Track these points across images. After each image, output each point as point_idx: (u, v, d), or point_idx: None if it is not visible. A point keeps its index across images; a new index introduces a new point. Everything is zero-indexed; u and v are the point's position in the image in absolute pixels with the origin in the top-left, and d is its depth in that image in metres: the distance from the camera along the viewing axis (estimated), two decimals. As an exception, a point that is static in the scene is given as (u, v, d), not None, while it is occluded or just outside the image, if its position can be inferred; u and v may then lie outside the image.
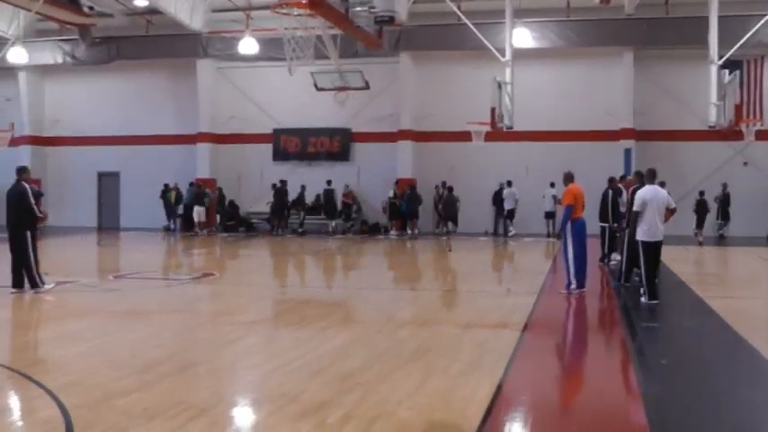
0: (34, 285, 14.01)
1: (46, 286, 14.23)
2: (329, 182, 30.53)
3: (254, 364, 8.93)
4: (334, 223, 30.54)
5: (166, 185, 31.76)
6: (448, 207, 29.48)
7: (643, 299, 13.02)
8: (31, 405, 7.18)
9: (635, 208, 13.08)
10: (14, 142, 31.75)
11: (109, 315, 12.19)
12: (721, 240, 27.72)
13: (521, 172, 29.75)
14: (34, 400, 7.23)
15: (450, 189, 29.42)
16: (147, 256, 24.06)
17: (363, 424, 6.34)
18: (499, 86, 25.09)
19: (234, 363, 9.09)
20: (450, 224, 29.53)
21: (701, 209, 27.15)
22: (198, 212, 30.71)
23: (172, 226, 31.77)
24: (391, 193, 30.11)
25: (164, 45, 31.83)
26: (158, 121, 33.17)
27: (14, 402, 7.48)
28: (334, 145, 31.84)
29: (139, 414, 6.65)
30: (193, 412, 6.68)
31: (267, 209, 30.84)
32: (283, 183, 29.97)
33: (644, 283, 13.02)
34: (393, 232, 29.66)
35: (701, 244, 25.66)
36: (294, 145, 32.17)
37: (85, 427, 6.20)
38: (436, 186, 30.23)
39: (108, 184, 34.18)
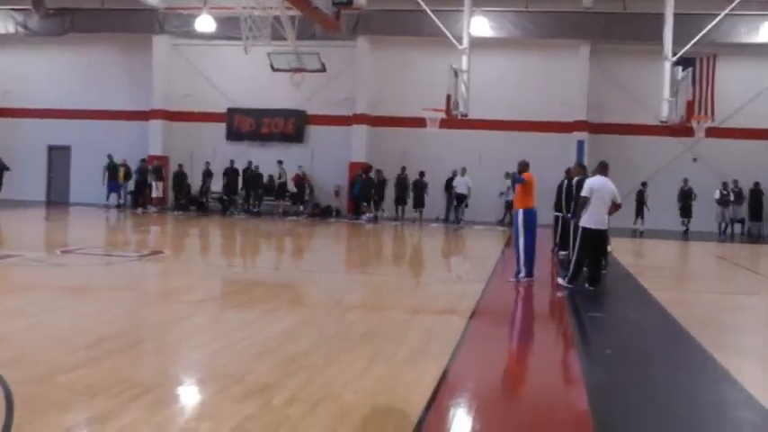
0: None
1: None
2: (280, 162, 30.48)
3: (201, 343, 8.89)
4: (282, 205, 30.50)
5: (110, 156, 31.27)
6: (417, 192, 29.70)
7: (561, 280, 13.41)
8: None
9: (582, 193, 13.26)
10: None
11: (55, 290, 12.05)
12: (684, 236, 28.18)
13: (474, 160, 29.91)
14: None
15: (422, 174, 29.57)
16: (96, 232, 23.81)
17: (308, 406, 6.35)
18: (456, 74, 25.16)
19: (180, 341, 9.05)
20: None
21: (640, 199, 27.82)
22: (157, 188, 30.47)
23: (113, 201, 31.33)
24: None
25: (119, 19, 31.42)
26: (112, 95, 32.78)
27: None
28: (289, 126, 31.73)
29: (83, 391, 6.58)
30: (138, 390, 6.64)
31: (220, 188, 30.70)
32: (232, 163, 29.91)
33: (572, 266, 13.33)
34: (365, 216, 29.50)
35: (641, 234, 26.11)
36: (248, 125, 32.00)
37: (27, 403, 6.13)
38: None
39: (58, 157, 33.72)
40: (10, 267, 14.37)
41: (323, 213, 30.52)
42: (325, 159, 31.06)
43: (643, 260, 20.94)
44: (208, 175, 31.02)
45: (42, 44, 32.85)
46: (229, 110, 31.96)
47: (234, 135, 32.05)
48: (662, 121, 25.61)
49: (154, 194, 30.54)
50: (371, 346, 8.85)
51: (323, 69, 27.94)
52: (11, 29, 31.84)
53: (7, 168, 31.49)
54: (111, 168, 31.46)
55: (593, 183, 13.27)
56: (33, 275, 13.69)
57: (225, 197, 30.60)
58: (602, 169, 13.60)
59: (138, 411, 6.09)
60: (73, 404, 6.27)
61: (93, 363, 7.58)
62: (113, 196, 31.45)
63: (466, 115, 25.72)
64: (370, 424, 6.01)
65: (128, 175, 31.59)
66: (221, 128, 32.10)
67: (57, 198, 33.49)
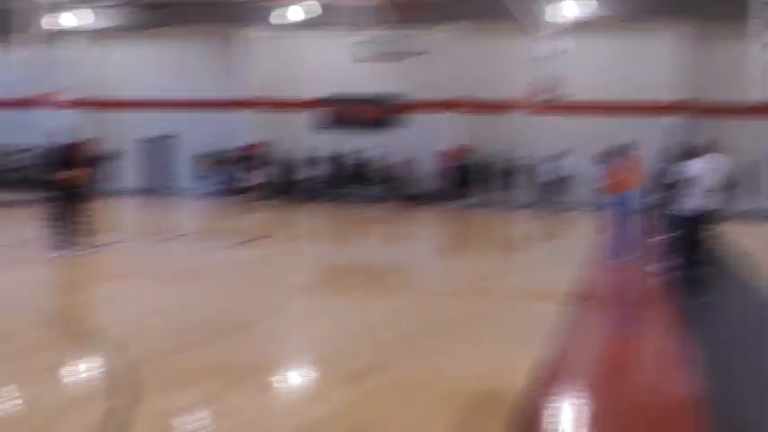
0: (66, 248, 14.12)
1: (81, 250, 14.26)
2: (369, 149, 30.65)
3: (305, 327, 9.09)
4: (375, 191, 30.68)
5: (203, 145, 32.00)
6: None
7: (660, 264, 13.16)
8: (89, 360, 7.40)
9: (682, 176, 12.99)
10: (66, 105, 32.13)
11: (160, 276, 12.44)
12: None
13: (572, 143, 29.50)
14: (91, 355, 7.46)
15: (519, 158, 29.30)
16: (200, 219, 24.37)
17: (412, 390, 6.45)
18: (551, 57, 24.92)
19: (288, 325, 9.26)
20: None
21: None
22: (256, 176, 30.97)
23: (209, 189, 31.98)
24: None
25: (212, 12, 31.93)
26: (206, 86, 33.30)
27: (74, 358, 7.69)
28: (384, 113, 31.81)
29: (191, 373, 6.81)
30: (244, 372, 6.85)
31: (317, 176, 31.03)
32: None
33: (673, 250, 13.07)
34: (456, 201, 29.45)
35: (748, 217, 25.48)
36: (342, 113, 32.20)
37: (143, 383, 6.37)
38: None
39: (160, 147, 34.47)
40: (117, 254, 14.84)
41: (419, 199, 30.53)
42: (424, 145, 31.04)
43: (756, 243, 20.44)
44: (304, 162, 31.36)
45: (140, 38, 33.59)
46: (322, 98, 32.21)
47: (328, 123, 32.30)
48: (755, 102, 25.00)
49: (253, 182, 31.02)
50: (473, 331, 8.90)
51: (418, 54, 27.93)
52: (111, 24, 32.64)
53: (116, 158, 32.53)
54: (206, 157, 32.14)
55: (695, 165, 13.00)
56: (140, 261, 14.12)
57: (321, 184, 30.90)
58: (704, 150, 13.31)
59: (246, 392, 6.30)
60: (188, 383, 6.51)
61: (199, 346, 7.82)
62: (209, 184, 32.09)
63: (563, 98, 25.46)
64: (472, 409, 6.08)
65: (225, 164, 32.16)
66: (315, 116, 32.38)
67: (159, 187, 34.25)
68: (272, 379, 6.83)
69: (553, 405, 6.34)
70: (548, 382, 6.85)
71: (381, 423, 5.64)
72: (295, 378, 7.13)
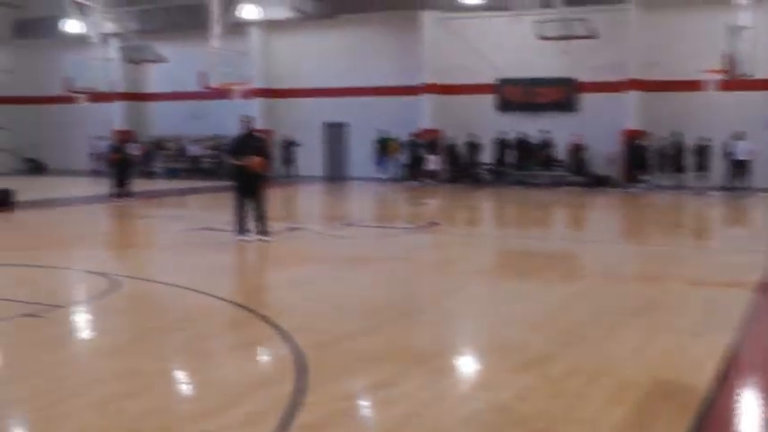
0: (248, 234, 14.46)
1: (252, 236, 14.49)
2: (547, 132, 30.17)
3: (478, 313, 9.03)
4: (552, 175, 30.16)
5: (380, 131, 32.35)
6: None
7: None
8: (266, 344, 7.59)
9: None
10: (247, 95, 33.25)
11: (336, 261, 12.65)
12: None
13: (757, 123, 28.08)
14: (269, 339, 7.64)
15: (700, 139, 28.12)
16: (373, 205, 24.72)
17: (586, 379, 6.27)
18: (735, 32, 23.75)
19: (457, 311, 9.22)
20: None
21: None
22: (433, 161, 31.13)
23: (383, 175, 32.34)
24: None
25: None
26: (382, 73, 33.67)
27: (251, 341, 7.91)
28: (559, 95, 31.25)
29: (366, 357, 6.88)
30: (417, 358, 6.84)
31: (491, 160, 30.84)
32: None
33: None
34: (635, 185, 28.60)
35: None
36: (518, 95, 31.83)
37: (316, 367, 6.48)
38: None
39: (335, 134, 35.18)
40: (296, 239, 15.21)
41: (596, 183, 29.86)
42: (597, 127, 30.27)
43: None
44: (481, 146, 31.24)
45: (315, 27, 34.32)
46: (499, 81, 31.95)
47: (504, 106, 32.00)
48: None
49: (428, 167, 31.18)
50: (650, 318, 8.60)
51: (592, 35, 27.30)
52: (288, 14, 33.46)
53: (297, 144, 33.53)
54: (381, 143, 32.55)
55: None
56: (317, 247, 14.42)
57: (495, 168, 30.71)
58: None
59: (419, 378, 6.28)
60: (358, 370, 6.57)
61: (375, 330, 7.89)
62: (383, 170, 32.49)
63: (750, 76, 24.24)
64: (652, 399, 5.84)
65: (399, 150, 32.47)
66: (491, 99, 32.17)
67: (334, 173, 34.98)
68: (443, 367, 6.79)
69: (743, 400, 6.02)
70: (735, 375, 6.51)
71: (550, 415, 5.50)
72: (465, 366, 7.07)
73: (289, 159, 33.75)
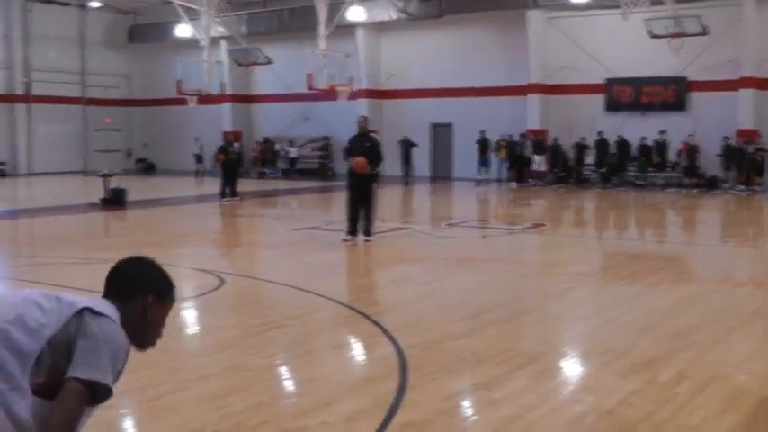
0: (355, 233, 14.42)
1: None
2: (662, 132, 29.41)
3: (583, 316, 8.86)
4: (662, 176, 29.43)
5: (482, 132, 32.11)
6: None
7: None
8: (369, 342, 7.61)
9: None
10: (353, 96, 33.48)
11: (440, 261, 12.61)
12: None
13: None
14: (372, 338, 7.66)
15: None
16: (478, 206, 24.61)
17: (696, 385, 6.07)
18: None
19: (562, 313, 9.08)
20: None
21: None
22: (539, 162, 30.80)
23: (485, 176, 32.07)
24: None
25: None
26: (488, 73, 33.46)
27: (354, 339, 7.95)
28: (669, 94, 30.49)
29: (469, 358, 6.82)
30: (521, 360, 6.75)
31: (602, 160, 30.29)
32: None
33: None
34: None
35: None
36: (627, 95, 31.19)
37: (419, 367, 6.46)
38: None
39: (440, 135, 35.14)
40: (401, 239, 15.24)
41: (707, 184, 29.03)
42: (709, 127, 29.42)
43: None
44: (584, 147, 30.74)
45: (421, 28, 34.32)
46: (607, 80, 31.38)
47: (613, 106, 31.39)
48: None
49: (534, 168, 30.84)
50: (764, 324, 8.29)
51: (704, 32, 26.57)
52: (393, 15, 33.59)
53: (415, 145, 33.56)
54: (482, 144, 32.32)
55: None
56: (421, 247, 14.42)
57: (600, 170, 30.15)
58: None
59: (523, 380, 6.19)
60: (460, 370, 6.51)
61: (478, 331, 7.81)
62: (486, 170, 32.26)
63: None
64: (765, 408, 5.62)
65: (507, 151, 32.17)
66: (599, 99, 31.61)
67: (440, 173, 34.94)
68: (547, 369, 6.67)
69: None
70: None
71: (657, 421, 5.34)
72: (570, 369, 6.93)
73: (407, 160, 33.78)
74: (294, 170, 36.53)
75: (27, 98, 38.84)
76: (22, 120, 38.82)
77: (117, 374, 2.85)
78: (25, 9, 38.52)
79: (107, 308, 2.85)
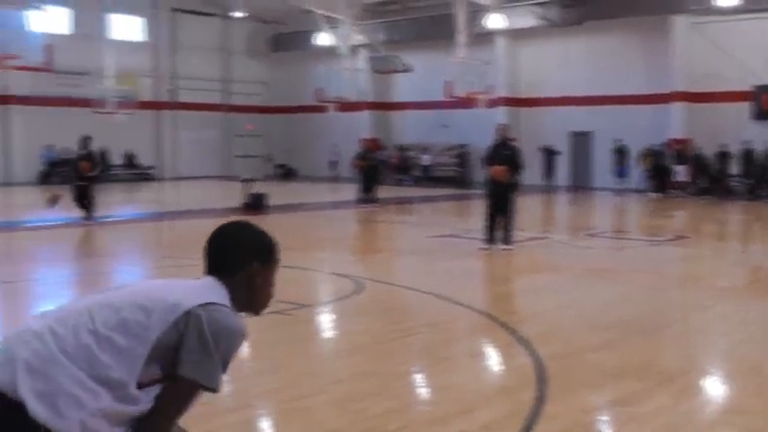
0: (494, 241, 14.32)
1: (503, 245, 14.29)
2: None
3: (726, 331, 8.53)
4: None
5: (618, 141, 31.38)
6: None
7: None
8: (506, 352, 7.53)
9: None
10: (492, 104, 33.30)
11: (579, 271, 12.39)
12: None
13: None
14: (509, 347, 7.58)
15: None
16: (617, 216, 24.09)
17: None
18: None
19: (705, 329, 8.77)
20: None
21: None
22: (682, 172, 29.87)
23: (622, 185, 31.28)
24: None
25: (636, 3, 31.24)
26: (629, 80, 32.74)
27: (491, 348, 7.90)
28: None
29: (608, 371, 6.66)
30: (663, 376, 6.54)
31: (748, 171, 29.14)
32: None
33: None
34: None
35: None
36: (773, 103, 29.94)
37: (556, 378, 6.35)
38: None
39: (579, 143, 34.57)
40: (539, 248, 15.06)
41: None
42: None
43: None
44: (729, 156, 29.65)
45: (561, 34, 33.83)
46: (756, 87, 30.19)
47: (762, 114, 30.19)
48: None
49: (676, 178, 29.93)
50: None
51: None
52: (533, 23, 33.27)
53: (557, 153, 33.14)
54: (619, 152, 31.57)
55: None
56: (559, 257, 14.20)
57: (747, 180, 29.00)
58: None
59: (664, 397, 6.00)
60: (599, 384, 6.37)
61: (617, 344, 7.63)
62: (624, 180, 31.49)
63: None
64: None
65: (648, 160, 31.32)
66: (746, 107, 30.44)
67: (579, 182, 34.35)
68: (689, 387, 6.45)
69: None
70: None
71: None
72: (714, 387, 6.67)
73: (549, 168, 33.36)
74: (428, 177, 36.65)
75: (172, 105, 40.34)
76: (168, 126, 40.32)
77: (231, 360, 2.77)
78: (172, 19, 40.02)
79: (214, 291, 2.78)
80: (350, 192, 26.01)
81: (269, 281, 2.94)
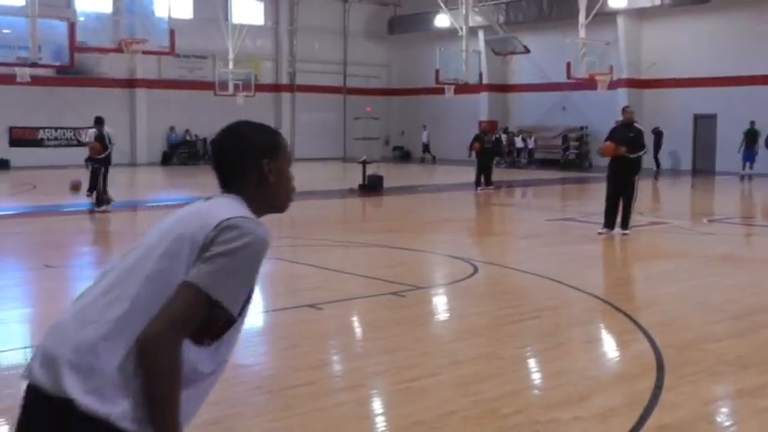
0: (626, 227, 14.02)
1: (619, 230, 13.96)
2: None
3: None
4: None
5: (752, 123, 30.19)
6: None
7: None
8: (623, 339, 7.38)
9: None
10: (612, 85, 32.54)
11: (701, 258, 12.02)
12: None
13: None
14: (627, 334, 7.42)
15: None
16: (742, 202, 23.30)
17: None
18: None
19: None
20: None
21: None
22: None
23: (749, 170, 30.12)
24: None
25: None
26: (758, 59, 31.48)
27: (608, 334, 7.78)
28: None
29: (732, 361, 6.46)
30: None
31: None
32: None
33: None
34: None
35: None
36: None
37: (676, 367, 6.19)
38: None
39: (703, 126, 33.53)
40: (658, 234, 14.71)
41: None
42: None
43: None
44: None
45: (686, 13, 32.79)
46: None
47: None
48: None
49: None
50: None
51: None
52: (656, 1, 32.33)
53: (661, 132, 32.00)
54: (749, 135, 30.41)
55: None
56: (681, 243, 13.83)
57: None
58: None
59: (793, 390, 5.78)
60: (722, 374, 6.19)
61: (743, 334, 7.39)
62: (751, 164, 30.35)
63: None
64: None
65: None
66: None
67: (702, 167, 33.35)
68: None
69: None
70: None
71: None
72: None
73: (657, 150, 32.35)
74: (532, 161, 36.44)
75: (292, 87, 40.92)
76: (287, 108, 40.95)
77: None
78: (292, 3, 40.56)
79: (229, 206, 2.53)
80: (466, 174, 25.89)
81: (284, 175, 2.70)
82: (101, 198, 17.70)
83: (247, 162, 2.61)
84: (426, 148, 40.19)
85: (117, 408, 2.30)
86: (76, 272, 11.14)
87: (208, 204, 2.57)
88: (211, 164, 2.68)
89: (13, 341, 7.36)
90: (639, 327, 7.46)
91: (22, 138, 32.93)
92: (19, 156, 32.35)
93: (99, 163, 17.89)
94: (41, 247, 13.02)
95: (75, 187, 18.30)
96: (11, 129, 33.36)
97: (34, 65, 23.28)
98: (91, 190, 17.94)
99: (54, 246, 13.16)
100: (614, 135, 14.00)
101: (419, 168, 36.02)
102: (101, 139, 18.00)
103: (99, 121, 18.23)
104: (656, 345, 6.80)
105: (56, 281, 9.98)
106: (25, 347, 6.85)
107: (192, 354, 2.40)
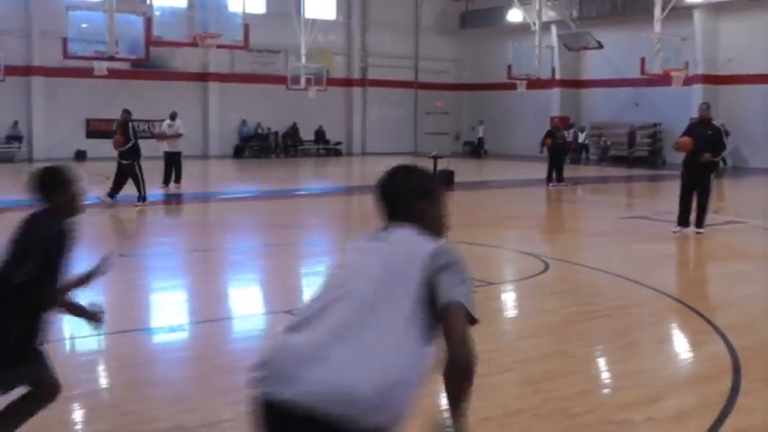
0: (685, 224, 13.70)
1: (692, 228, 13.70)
2: None
3: None
4: None
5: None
6: None
7: None
8: (698, 339, 7.25)
9: None
10: (688, 81, 31.91)
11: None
12: None
13: None
14: (701, 335, 7.28)
15: None
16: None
17: None
18: None
19: None
20: None
21: None
22: None
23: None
24: None
25: None
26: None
27: (682, 335, 7.65)
28: None
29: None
30: None
31: None
32: None
33: None
34: None
35: None
36: None
37: (753, 370, 6.06)
38: None
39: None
40: (734, 233, 14.41)
41: None
42: None
43: None
44: None
45: (763, 7, 31.88)
46: None
47: None
48: None
49: None
50: None
51: None
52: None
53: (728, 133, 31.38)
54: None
55: None
56: (757, 243, 13.53)
57: None
58: None
59: None
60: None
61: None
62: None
63: None
64: None
65: None
66: None
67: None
68: None
69: None
70: None
71: None
72: None
73: (731, 149, 31.71)
74: (607, 158, 35.99)
75: (363, 82, 41.01)
76: (358, 103, 41.03)
77: None
78: (366, -2, 40.71)
79: (420, 234, 3.05)
80: (538, 170, 25.66)
81: (439, 214, 3.22)
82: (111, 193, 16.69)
83: (411, 204, 3.13)
84: (480, 142, 40.06)
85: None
86: (149, 261, 11.33)
87: (404, 233, 3.04)
88: (378, 196, 3.16)
89: (87, 329, 7.48)
90: (715, 327, 7.31)
91: (98, 129, 33.52)
92: (95, 147, 32.96)
93: (128, 158, 16.77)
94: (115, 236, 13.33)
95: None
96: (88, 120, 34.08)
97: (111, 58, 23.66)
98: (116, 189, 16.79)
99: (127, 235, 13.44)
100: (691, 133, 13.71)
101: (491, 164, 35.80)
102: (124, 130, 17.02)
103: (127, 112, 17.58)
104: (733, 346, 6.65)
105: (130, 270, 10.15)
106: (99, 335, 6.93)
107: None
